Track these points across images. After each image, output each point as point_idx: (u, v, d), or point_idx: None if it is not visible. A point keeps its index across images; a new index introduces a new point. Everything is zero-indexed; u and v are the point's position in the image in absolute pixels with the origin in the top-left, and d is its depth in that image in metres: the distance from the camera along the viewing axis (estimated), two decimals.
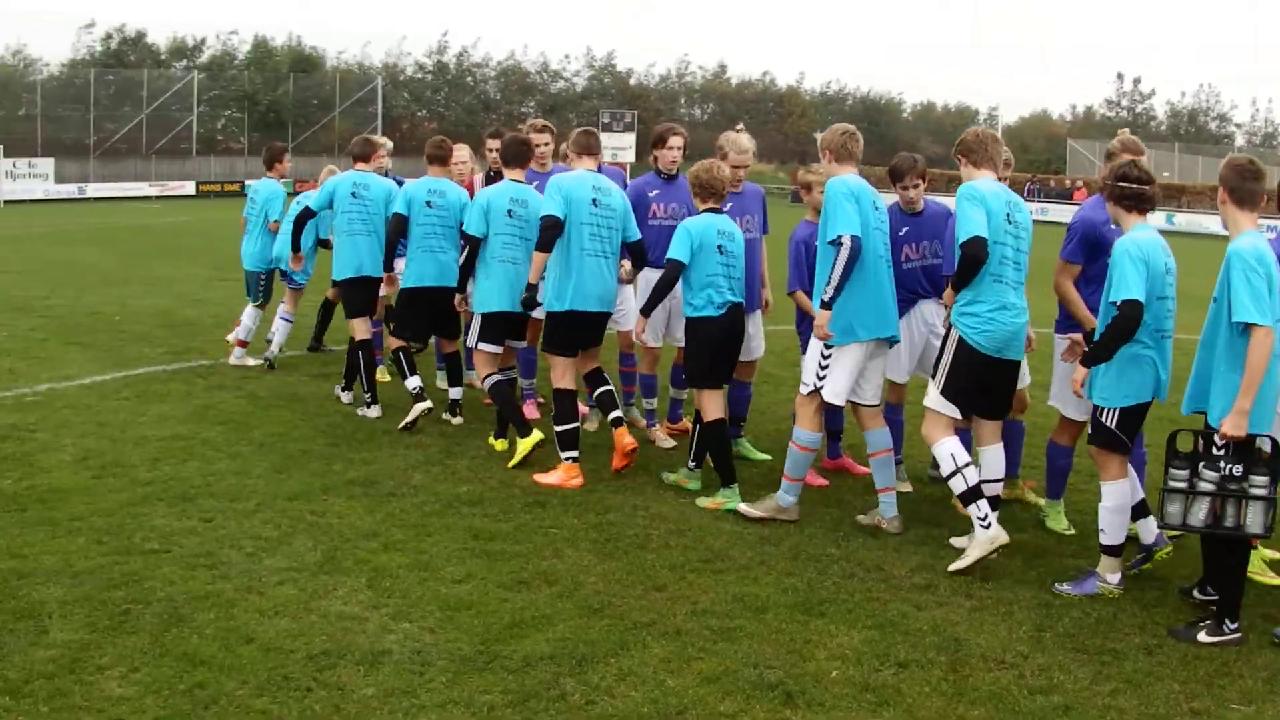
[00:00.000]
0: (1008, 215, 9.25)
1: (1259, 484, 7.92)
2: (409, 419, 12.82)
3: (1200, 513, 8.04)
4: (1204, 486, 8.02)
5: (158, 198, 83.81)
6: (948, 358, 9.40)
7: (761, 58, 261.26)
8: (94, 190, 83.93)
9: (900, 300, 10.37)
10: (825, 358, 10.02)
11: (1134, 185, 8.67)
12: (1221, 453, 8.00)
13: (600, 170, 11.93)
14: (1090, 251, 9.67)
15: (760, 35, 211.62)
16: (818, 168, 10.90)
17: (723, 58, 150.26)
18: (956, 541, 9.66)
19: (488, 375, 12.17)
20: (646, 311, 10.80)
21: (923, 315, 11.05)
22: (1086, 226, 9.66)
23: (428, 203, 12.78)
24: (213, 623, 7.76)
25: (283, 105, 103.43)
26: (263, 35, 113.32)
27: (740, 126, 12.83)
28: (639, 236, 11.62)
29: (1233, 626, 7.97)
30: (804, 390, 10.24)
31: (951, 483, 9.39)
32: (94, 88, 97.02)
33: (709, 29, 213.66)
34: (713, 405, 10.86)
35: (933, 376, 9.65)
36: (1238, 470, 7.95)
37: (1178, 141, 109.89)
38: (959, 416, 9.50)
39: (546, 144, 13.36)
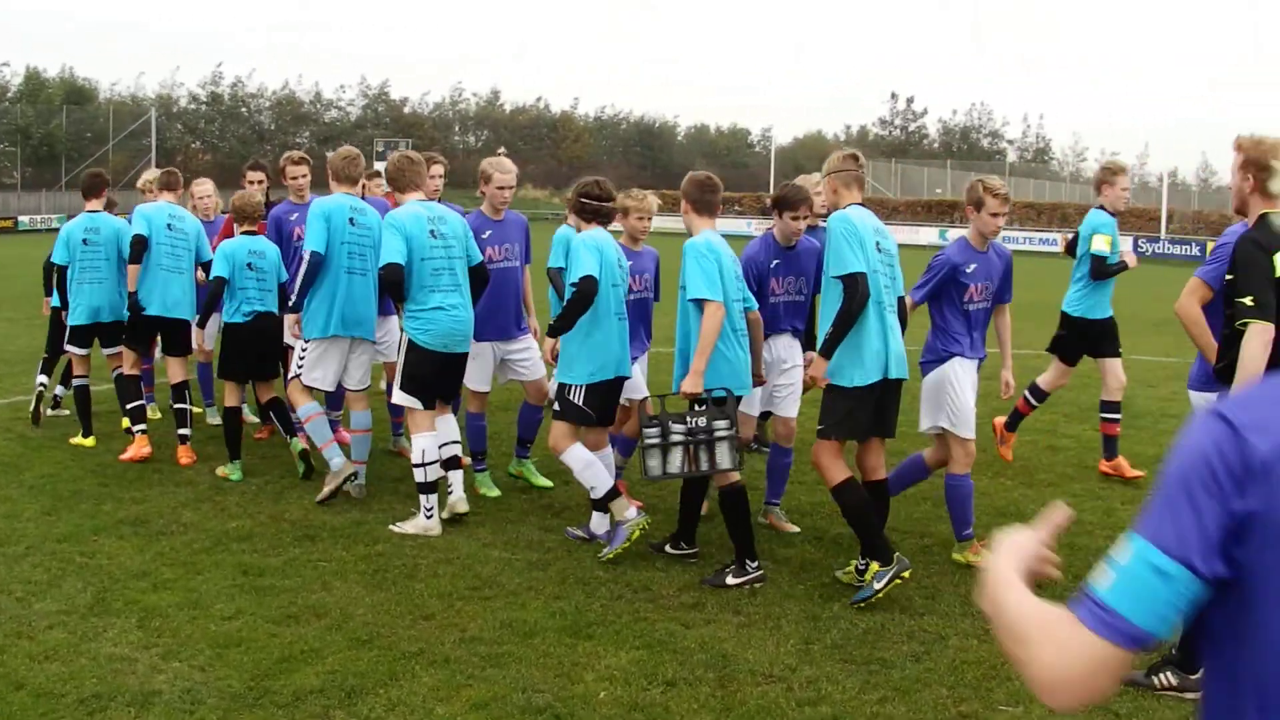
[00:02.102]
0: (431, 231, 10.71)
1: (721, 427, 9.29)
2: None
3: (676, 461, 9.38)
4: (675, 438, 9.34)
5: None
6: (401, 359, 10.93)
7: (535, 84, 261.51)
8: None
9: (772, 332, 10.66)
10: (303, 351, 11.81)
11: (594, 201, 10.33)
12: (691, 411, 9.39)
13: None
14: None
15: (533, 62, 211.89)
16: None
17: (496, 84, 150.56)
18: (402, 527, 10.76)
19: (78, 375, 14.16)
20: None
21: (779, 350, 10.87)
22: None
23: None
24: None
25: (56, 138, 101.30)
26: (35, 67, 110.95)
27: (502, 150, 13.07)
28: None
29: (754, 565, 9.41)
30: (291, 375, 12.12)
31: (415, 471, 10.85)
32: None
33: (481, 56, 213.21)
34: (233, 396, 12.76)
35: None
36: (702, 421, 9.29)
37: (950, 158, 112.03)
38: (422, 406, 10.90)
39: (304, 175, 13.76)
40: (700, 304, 9.26)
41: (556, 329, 10.08)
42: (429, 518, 10.67)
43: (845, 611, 8.78)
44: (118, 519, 10.94)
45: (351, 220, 11.68)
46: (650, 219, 11.55)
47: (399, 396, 10.98)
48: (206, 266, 13.34)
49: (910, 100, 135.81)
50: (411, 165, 11.17)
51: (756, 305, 10.09)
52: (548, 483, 12.13)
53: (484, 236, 11.60)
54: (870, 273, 8.85)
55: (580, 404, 10.11)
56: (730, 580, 9.31)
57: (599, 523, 10.32)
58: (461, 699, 7.20)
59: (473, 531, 10.61)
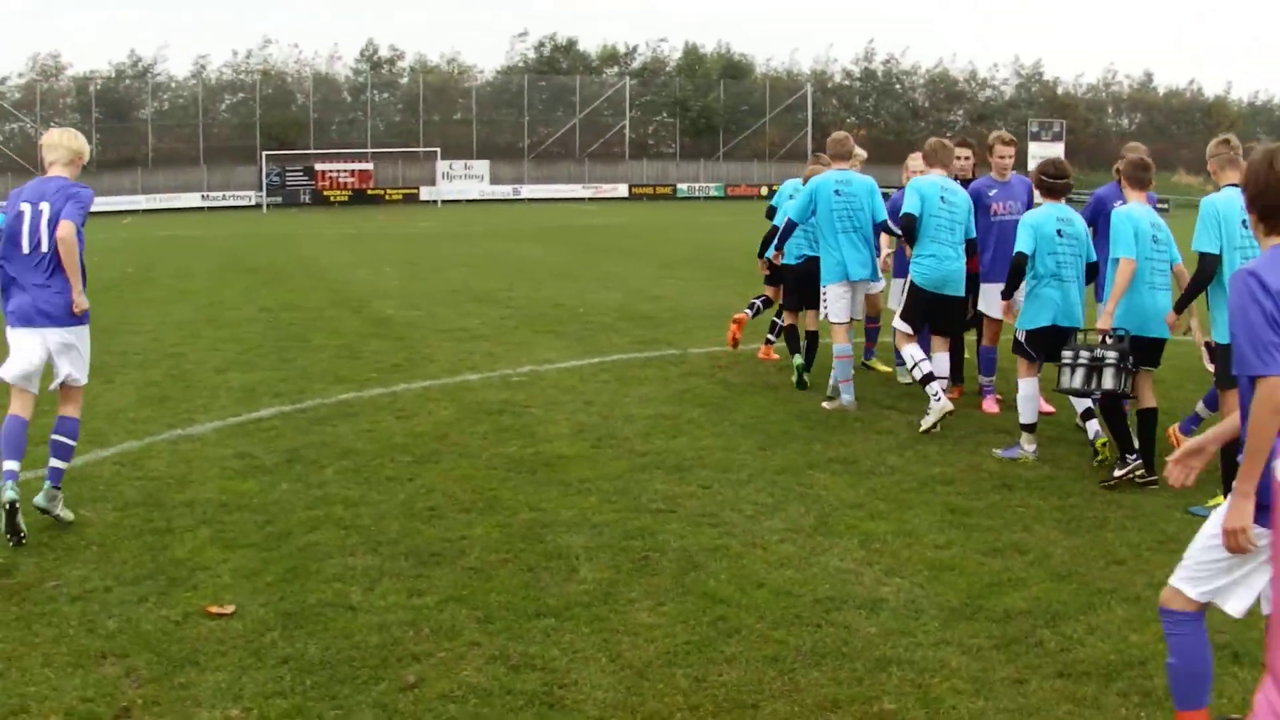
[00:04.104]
0: (941, 197, 13.55)
1: (1110, 358, 11.12)
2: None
3: (1078, 379, 11.27)
4: (1082, 361, 11.24)
5: (591, 199, 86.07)
6: (904, 295, 13.90)
7: (1188, 66, 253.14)
8: (528, 191, 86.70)
9: None
10: (825, 296, 14.68)
11: (1050, 179, 12.27)
12: (1102, 343, 11.25)
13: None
14: None
15: (1187, 42, 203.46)
16: None
17: (1149, 66, 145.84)
18: (926, 422, 13.26)
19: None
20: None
21: None
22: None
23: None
24: (724, 570, 8.76)
25: (714, 111, 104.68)
26: (692, 43, 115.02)
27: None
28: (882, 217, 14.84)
29: (1132, 456, 11.20)
30: (821, 317, 15.16)
31: (913, 371, 13.59)
32: (527, 93, 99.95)
33: (1135, 36, 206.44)
34: (790, 318, 16.33)
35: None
36: (1100, 351, 11.17)
37: None
38: (912, 332, 13.66)
39: (1010, 155, 14.70)
40: (1118, 260, 11.15)
41: (1004, 293, 12.66)
42: (938, 400, 13.14)
43: None
44: (828, 458, 11.99)
45: (837, 191, 14.35)
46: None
47: (897, 323, 13.85)
48: (878, 227, 14.91)
49: None
50: (942, 148, 14.07)
51: (1180, 259, 11.68)
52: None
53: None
54: (1233, 249, 10.25)
55: (1024, 344, 12.22)
56: (1117, 473, 11.22)
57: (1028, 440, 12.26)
58: (1152, 631, 7.68)
59: (1157, 491, 10.92)
